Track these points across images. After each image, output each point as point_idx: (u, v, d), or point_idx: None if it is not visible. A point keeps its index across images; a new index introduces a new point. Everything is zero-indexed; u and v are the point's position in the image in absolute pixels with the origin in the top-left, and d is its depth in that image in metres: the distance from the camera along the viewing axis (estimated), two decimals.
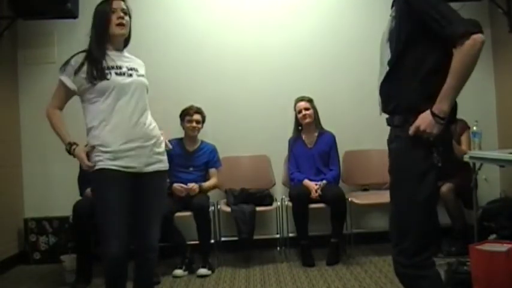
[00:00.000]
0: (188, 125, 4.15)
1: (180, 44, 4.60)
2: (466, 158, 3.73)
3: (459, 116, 4.45)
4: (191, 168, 4.15)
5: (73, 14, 4.03)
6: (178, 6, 4.66)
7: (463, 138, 4.05)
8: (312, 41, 4.57)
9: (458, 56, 1.80)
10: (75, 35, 4.53)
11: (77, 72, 2.43)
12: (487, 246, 2.94)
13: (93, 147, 2.41)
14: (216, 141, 4.35)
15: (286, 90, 4.50)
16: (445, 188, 3.90)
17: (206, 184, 4.10)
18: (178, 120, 4.21)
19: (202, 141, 4.27)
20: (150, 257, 2.51)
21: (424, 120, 1.85)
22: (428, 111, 1.85)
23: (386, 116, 2.03)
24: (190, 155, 4.19)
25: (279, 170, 4.55)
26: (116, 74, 2.43)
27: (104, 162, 2.38)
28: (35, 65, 4.57)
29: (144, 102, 2.51)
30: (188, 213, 3.93)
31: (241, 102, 4.62)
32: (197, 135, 4.22)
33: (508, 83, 4.50)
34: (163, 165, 2.55)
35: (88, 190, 3.75)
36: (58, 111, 2.52)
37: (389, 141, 2.02)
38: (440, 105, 1.84)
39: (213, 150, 4.25)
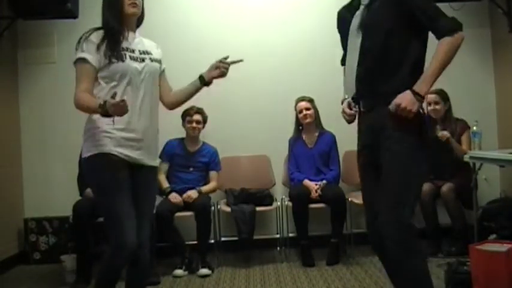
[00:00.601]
0: (188, 125, 4.16)
1: (179, 44, 4.60)
2: (466, 158, 3.74)
3: (459, 115, 4.45)
4: (191, 169, 4.16)
5: (73, 14, 4.03)
6: (178, 5, 4.66)
7: (463, 138, 4.04)
8: (313, 40, 4.57)
9: (446, 45, 2.04)
10: (75, 35, 4.44)
11: (99, 47, 2.28)
12: (487, 246, 2.94)
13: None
14: (216, 141, 4.35)
15: (287, 90, 4.50)
16: (445, 188, 3.90)
17: (205, 188, 4.10)
18: (179, 120, 4.21)
19: (204, 143, 4.27)
20: (142, 254, 2.39)
21: (405, 98, 2.02)
22: (408, 91, 2.03)
23: (348, 97, 2.22)
24: (191, 155, 4.20)
25: (279, 170, 4.55)
26: (130, 58, 2.34)
27: (108, 146, 2.27)
28: (35, 65, 4.57)
29: (152, 93, 2.41)
30: (189, 213, 3.94)
31: (242, 102, 4.62)
32: (198, 135, 4.22)
33: (508, 83, 4.50)
34: (158, 161, 2.57)
35: (88, 190, 3.74)
36: (87, 93, 2.26)
37: (380, 123, 2.12)
38: (422, 86, 2.04)
39: (214, 153, 4.25)
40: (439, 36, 2.07)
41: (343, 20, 2.32)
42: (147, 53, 2.43)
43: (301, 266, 3.91)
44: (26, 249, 4.37)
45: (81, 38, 2.33)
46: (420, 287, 2.07)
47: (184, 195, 3.96)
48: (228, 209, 4.10)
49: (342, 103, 2.28)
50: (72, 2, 3.95)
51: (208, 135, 4.36)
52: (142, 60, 2.38)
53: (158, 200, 4.09)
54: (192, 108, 4.15)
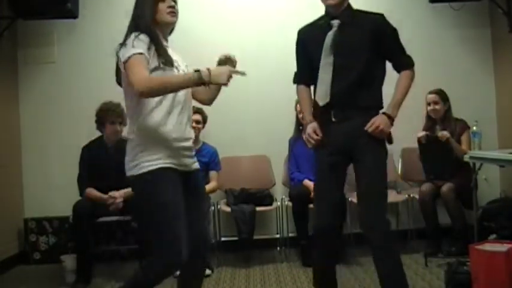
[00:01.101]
0: None
1: (179, 44, 4.58)
2: (466, 158, 3.73)
3: (459, 115, 4.43)
4: None
5: (73, 14, 4.04)
6: (180, 7, 4.65)
7: (463, 138, 4.04)
8: None
9: (408, 78, 2.52)
10: (75, 35, 4.55)
11: (149, 48, 2.13)
12: (487, 246, 2.94)
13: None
14: (216, 142, 4.35)
15: (287, 91, 4.47)
16: (445, 188, 3.89)
17: (206, 188, 4.09)
18: None
19: (204, 143, 4.26)
20: (205, 251, 2.32)
21: (384, 122, 2.42)
22: (385, 116, 2.44)
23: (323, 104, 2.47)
24: None
25: (279, 170, 4.55)
26: (176, 66, 2.25)
27: (162, 160, 2.13)
28: (35, 65, 4.57)
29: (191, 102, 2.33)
30: None
31: (242, 102, 4.62)
32: (198, 135, 4.21)
33: (508, 83, 4.50)
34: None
35: (88, 190, 3.74)
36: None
37: (358, 128, 2.44)
38: (394, 111, 2.47)
39: (214, 153, 4.24)
40: (400, 69, 2.52)
41: (311, 38, 2.58)
42: (179, 64, 2.34)
43: (301, 266, 3.91)
44: (26, 249, 4.37)
45: (126, 39, 2.18)
46: (400, 269, 2.41)
47: None
48: (228, 209, 4.10)
49: (302, 127, 2.43)
50: (72, 2, 3.95)
51: (209, 136, 4.36)
52: (178, 69, 2.28)
53: None
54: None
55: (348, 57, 2.44)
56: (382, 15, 2.52)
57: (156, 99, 2.12)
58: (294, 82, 2.77)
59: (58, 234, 4.36)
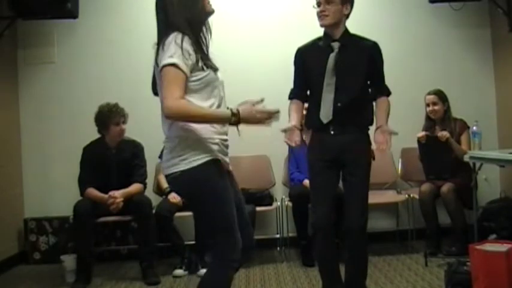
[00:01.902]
0: None
1: None
2: (466, 158, 3.73)
3: (459, 115, 4.42)
4: None
5: (73, 14, 4.04)
6: None
7: (463, 138, 4.04)
8: None
9: (387, 102, 2.82)
10: (75, 35, 4.55)
11: (190, 56, 2.00)
12: (487, 246, 2.94)
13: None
14: None
15: (286, 91, 4.48)
16: (445, 188, 3.89)
17: None
18: None
19: None
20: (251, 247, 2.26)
21: (387, 139, 2.69)
22: (387, 132, 2.71)
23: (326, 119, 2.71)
24: None
25: (279, 170, 4.55)
26: (213, 67, 2.15)
27: (215, 152, 2.08)
28: (35, 65, 4.57)
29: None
30: (189, 214, 3.93)
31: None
32: None
33: (508, 83, 4.50)
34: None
35: (89, 190, 3.74)
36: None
37: (353, 141, 2.74)
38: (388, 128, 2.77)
39: None
40: (381, 95, 2.81)
41: (312, 58, 2.78)
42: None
43: (301, 266, 3.91)
44: (26, 249, 4.37)
45: (168, 42, 1.99)
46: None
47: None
48: None
49: (286, 131, 2.72)
50: (72, 2, 3.95)
51: None
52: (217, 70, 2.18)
53: (158, 200, 4.11)
54: None
55: (347, 78, 2.67)
56: (375, 43, 2.77)
57: (207, 102, 2.06)
58: (290, 98, 2.90)
59: (58, 234, 4.36)
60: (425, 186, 4.00)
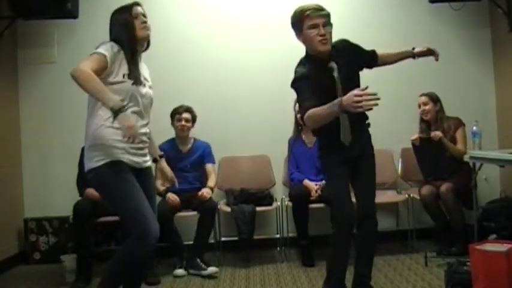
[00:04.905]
0: (177, 124, 4.13)
1: (180, 44, 4.60)
2: (466, 158, 3.74)
3: (459, 114, 4.41)
4: (188, 166, 4.15)
5: (73, 14, 4.04)
6: (177, 9, 4.66)
7: (458, 134, 4.03)
8: None
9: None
10: (75, 35, 4.55)
11: (115, 56, 2.42)
12: (487, 246, 2.93)
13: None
14: (216, 141, 4.35)
15: (286, 91, 4.47)
16: (444, 188, 3.89)
17: (211, 183, 4.10)
18: (168, 121, 4.21)
19: (195, 140, 4.26)
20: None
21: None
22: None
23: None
24: (185, 154, 4.19)
25: (279, 170, 4.55)
26: (141, 82, 2.52)
27: (117, 155, 2.43)
28: (35, 65, 4.58)
29: (148, 114, 2.60)
30: (189, 214, 3.95)
31: (242, 102, 4.62)
32: (188, 135, 4.20)
33: (508, 83, 4.50)
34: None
35: (89, 190, 3.74)
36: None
37: (365, 145, 2.89)
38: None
39: (207, 146, 4.26)
40: (374, 52, 2.89)
41: (315, 77, 2.69)
42: (146, 79, 2.60)
43: (301, 266, 3.91)
44: (26, 249, 4.38)
45: (102, 43, 2.45)
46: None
47: (200, 193, 3.93)
48: (228, 209, 4.10)
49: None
50: (72, 2, 3.95)
51: (209, 135, 4.35)
52: (144, 85, 2.55)
53: (157, 200, 4.10)
54: (181, 106, 4.14)
55: (350, 88, 2.54)
56: (344, 39, 2.78)
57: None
58: (304, 112, 2.65)
59: (58, 234, 4.36)
60: (425, 189, 4.00)
